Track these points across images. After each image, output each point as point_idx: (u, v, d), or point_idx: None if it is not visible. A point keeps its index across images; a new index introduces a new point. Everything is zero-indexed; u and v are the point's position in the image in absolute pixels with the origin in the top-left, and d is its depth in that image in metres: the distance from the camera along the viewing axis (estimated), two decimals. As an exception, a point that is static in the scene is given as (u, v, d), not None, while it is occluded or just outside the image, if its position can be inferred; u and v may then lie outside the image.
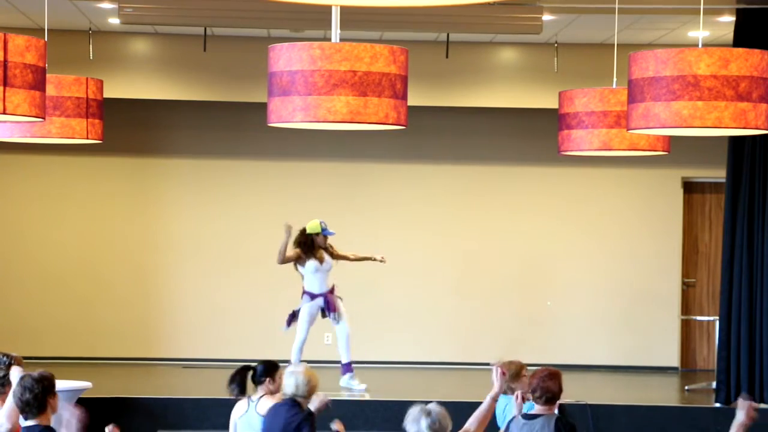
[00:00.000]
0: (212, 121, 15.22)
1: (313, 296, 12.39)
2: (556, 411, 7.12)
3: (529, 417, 7.02)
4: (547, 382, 6.97)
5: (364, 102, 6.71)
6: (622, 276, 15.37)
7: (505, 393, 7.68)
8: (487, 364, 7.93)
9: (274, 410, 7.45)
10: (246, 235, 15.20)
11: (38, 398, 6.24)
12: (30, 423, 6.27)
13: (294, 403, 7.35)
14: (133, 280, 15.19)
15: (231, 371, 8.16)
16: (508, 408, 7.78)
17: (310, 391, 7.42)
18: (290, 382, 7.40)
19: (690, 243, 15.61)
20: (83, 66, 13.17)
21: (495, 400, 6.63)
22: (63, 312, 15.03)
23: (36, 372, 6.41)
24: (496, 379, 6.66)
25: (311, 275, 12.38)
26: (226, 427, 8.23)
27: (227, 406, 8.47)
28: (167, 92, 14.41)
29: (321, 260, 12.37)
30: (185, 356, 15.02)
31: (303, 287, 12.54)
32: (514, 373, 7.81)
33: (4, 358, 7.29)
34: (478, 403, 6.55)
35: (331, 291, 12.45)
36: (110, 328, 15.07)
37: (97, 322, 15.06)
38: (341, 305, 12.52)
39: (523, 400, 7.23)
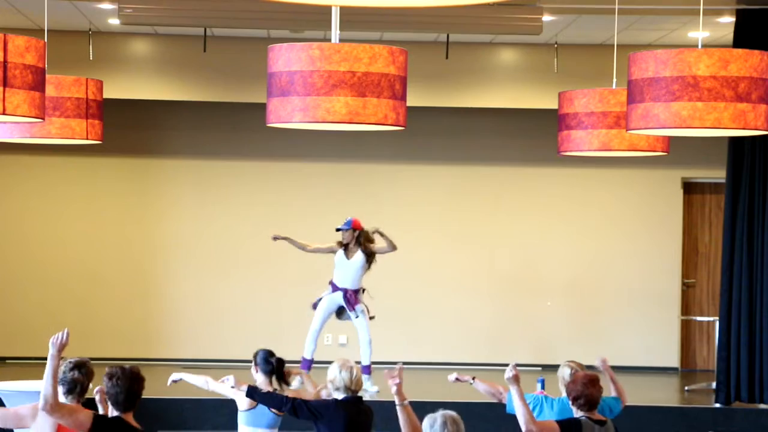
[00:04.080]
0: (212, 122, 15.22)
1: (335, 288, 12.47)
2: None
3: (597, 422, 7.02)
4: (590, 389, 7.01)
5: (363, 102, 6.71)
6: (622, 276, 15.37)
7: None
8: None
9: (352, 407, 7.42)
10: (246, 236, 15.19)
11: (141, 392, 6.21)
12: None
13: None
14: (133, 281, 15.19)
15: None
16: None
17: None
18: (346, 376, 7.42)
19: (690, 243, 15.61)
20: (83, 66, 13.16)
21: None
22: (63, 312, 15.00)
23: (129, 365, 6.32)
24: None
25: (336, 265, 12.55)
26: (227, 427, 8.25)
27: (227, 406, 8.50)
28: (167, 93, 14.41)
29: (348, 255, 12.46)
30: (185, 356, 15.01)
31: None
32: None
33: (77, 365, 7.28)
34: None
35: (356, 291, 12.50)
36: (110, 328, 15.06)
37: (97, 322, 15.05)
38: (364, 310, 12.52)
39: None
